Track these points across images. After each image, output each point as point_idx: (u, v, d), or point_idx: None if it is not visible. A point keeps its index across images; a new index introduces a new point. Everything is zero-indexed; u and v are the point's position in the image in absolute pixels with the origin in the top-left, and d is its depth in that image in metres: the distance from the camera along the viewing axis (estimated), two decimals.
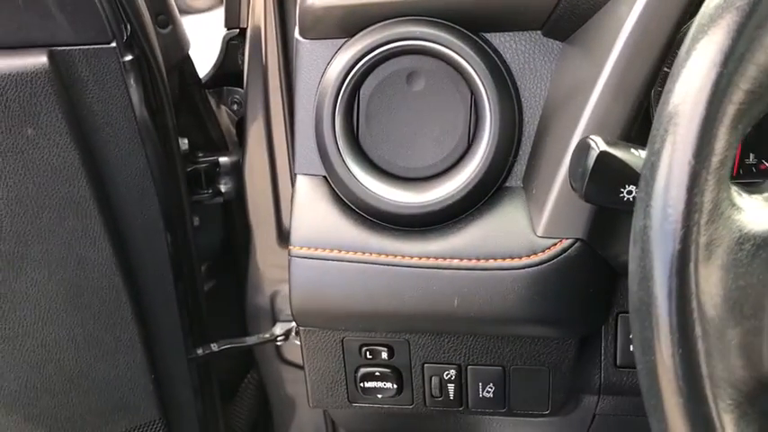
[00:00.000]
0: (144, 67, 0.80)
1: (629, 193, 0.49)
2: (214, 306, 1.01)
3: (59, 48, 0.74)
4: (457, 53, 0.62)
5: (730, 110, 0.36)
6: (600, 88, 0.57)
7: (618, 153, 0.49)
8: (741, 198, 0.38)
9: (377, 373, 0.72)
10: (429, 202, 0.64)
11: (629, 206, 0.49)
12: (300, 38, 0.67)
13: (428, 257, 0.64)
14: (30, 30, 0.74)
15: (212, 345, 0.96)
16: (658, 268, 0.36)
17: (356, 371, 0.72)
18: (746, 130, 0.37)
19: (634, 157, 0.49)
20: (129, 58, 0.77)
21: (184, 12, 0.95)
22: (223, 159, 1.00)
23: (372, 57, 0.63)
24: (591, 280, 0.63)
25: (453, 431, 0.85)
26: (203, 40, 1.05)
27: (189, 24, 0.95)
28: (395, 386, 0.72)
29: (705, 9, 0.37)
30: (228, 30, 0.99)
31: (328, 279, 0.66)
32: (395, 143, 0.65)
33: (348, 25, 0.65)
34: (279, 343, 1.01)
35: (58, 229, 0.79)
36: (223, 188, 1.00)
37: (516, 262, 0.62)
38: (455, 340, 0.70)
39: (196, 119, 0.99)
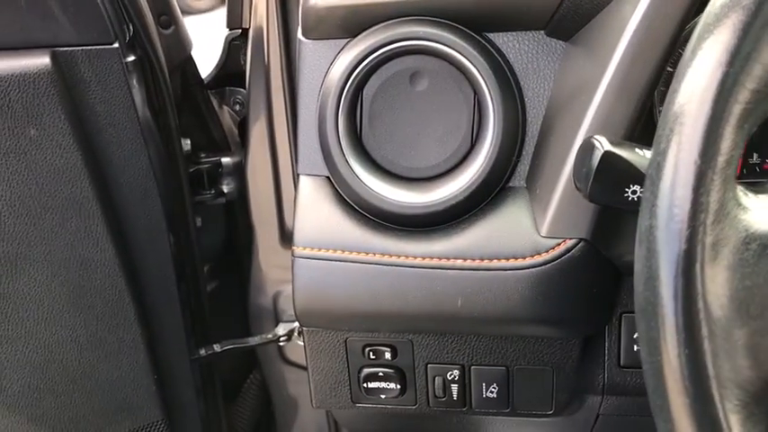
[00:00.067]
0: (146, 67, 0.80)
1: (634, 192, 0.49)
2: (217, 306, 1.01)
3: (62, 48, 0.74)
4: (460, 53, 0.62)
5: (736, 109, 0.36)
6: (603, 88, 0.57)
7: (622, 153, 0.49)
8: (747, 198, 0.38)
9: (380, 374, 0.72)
10: (432, 203, 0.64)
11: (634, 206, 0.49)
12: (303, 38, 0.67)
13: (432, 258, 0.64)
14: (32, 30, 0.74)
15: (215, 345, 0.96)
16: (664, 268, 0.35)
17: (359, 371, 0.72)
18: (752, 130, 0.37)
19: (639, 156, 0.49)
20: (131, 58, 0.77)
21: (186, 12, 0.95)
22: (225, 160, 1.00)
23: (375, 57, 0.63)
24: (595, 280, 0.63)
25: (456, 431, 0.85)
26: (205, 40, 1.05)
27: (190, 25, 0.95)
28: (398, 386, 0.72)
29: (711, 8, 0.37)
30: (231, 30, 0.99)
31: (332, 279, 0.66)
32: (398, 143, 0.65)
33: (351, 25, 0.65)
34: (281, 343, 1.01)
35: (61, 230, 0.79)
36: (225, 189, 1.00)
37: (520, 262, 0.61)
38: (458, 340, 0.69)
39: (198, 119, 0.99)
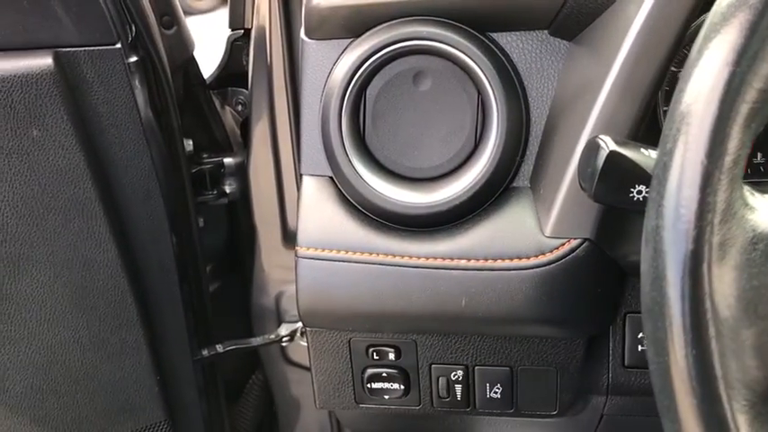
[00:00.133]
0: (149, 68, 0.80)
1: (639, 192, 0.49)
2: (219, 307, 1.01)
3: (64, 49, 0.74)
4: (464, 53, 0.62)
5: (743, 109, 0.35)
6: (608, 88, 0.57)
7: (628, 153, 0.49)
8: (754, 198, 0.38)
9: (384, 374, 0.72)
10: (436, 203, 0.64)
11: (639, 206, 0.49)
12: (306, 38, 0.67)
13: (435, 258, 0.63)
14: (35, 31, 0.74)
15: (217, 346, 0.96)
16: (671, 268, 0.35)
17: (363, 372, 0.72)
18: (759, 129, 0.37)
19: (644, 156, 0.49)
20: (134, 59, 0.77)
21: (186, 13, 0.95)
22: (228, 160, 1.00)
23: (379, 57, 0.63)
24: (599, 280, 0.63)
25: (460, 431, 0.85)
26: (206, 40, 1.05)
27: (191, 25, 0.95)
28: (402, 387, 0.72)
29: (717, 7, 0.37)
30: (233, 30, 0.99)
31: (335, 280, 0.65)
32: (401, 143, 0.65)
33: (354, 25, 0.64)
34: (284, 344, 1.01)
35: (64, 231, 0.79)
36: (228, 189, 1.00)
37: (524, 262, 0.61)
38: (462, 341, 0.69)
39: (201, 120, 0.99)
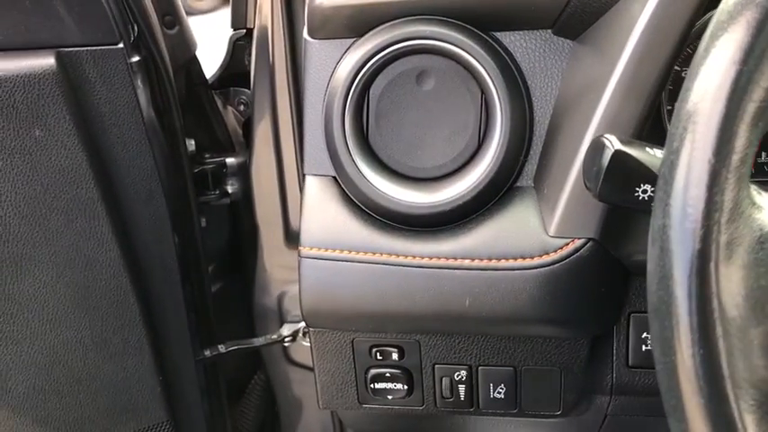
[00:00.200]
0: (151, 67, 0.80)
1: (644, 192, 0.49)
2: (221, 307, 1.00)
3: (67, 49, 0.74)
4: (467, 52, 0.62)
5: (750, 107, 0.35)
6: (612, 87, 0.57)
7: (633, 152, 0.49)
8: (761, 197, 0.38)
9: (387, 374, 0.71)
10: (439, 203, 0.64)
11: (644, 205, 0.49)
12: (309, 38, 0.67)
13: (439, 258, 0.63)
14: (37, 31, 0.73)
15: (220, 346, 0.96)
16: (678, 268, 0.35)
17: (366, 372, 0.72)
18: (766, 128, 0.37)
19: (649, 156, 0.49)
20: (136, 59, 0.77)
21: (187, 13, 0.94)
22: (230, 160, 1.00)
23: (382, 56, 0.63)
24: (603, 280, 0.63)
25: None
26: (207, 41, 1.05)
27: (191, 25, 0.95)
28: (405, 387, 0.72)
29: (724, 5, 0.36)
30: (235, 30, 0.99)
31: (339, 280, 0.65)
32: (405, 143, 0.65)
33: (357, 25, 0.64)
34: (286, 344, 1.01)
35: (66, 231, 0.79)
36: (230, 189, 1.00)
37: (528, 262, 0.61)
38: (466, 341, 0.69)
39: (203, 120, 0.99)
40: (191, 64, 0.94)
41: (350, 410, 0.75)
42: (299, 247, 0.66)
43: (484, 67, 0.62)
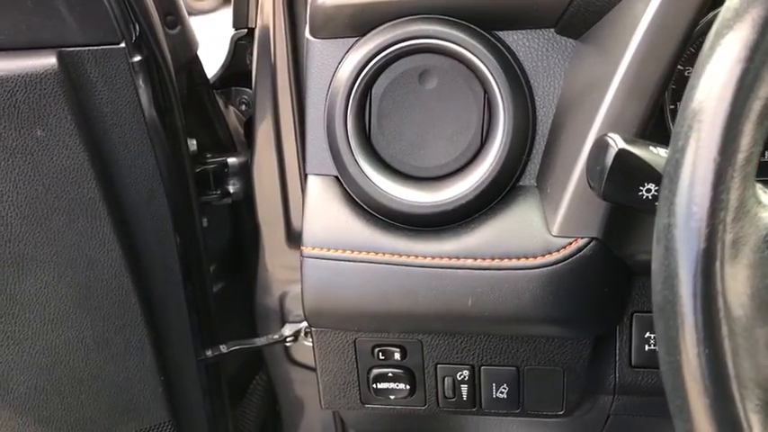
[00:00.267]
0: (153, 67, 0.80)
1: (648, 191, 0.49)
2: (223, 307, 1.00)
3: (68, 49, 0.74)
4: (470, 51, 0.62)
5: (756, 106, 0.35)
6: (615, 86, 0.57)
7: (637, 151, 0.48)
8: (766, 195, 0.37)
9: (389, 374, 0.71)
10: (442, 202, 0.64)
11: (648, 205, 0.49)
12: (311, 37, 0.67)
13: (441, 257, 0.63)
14: (39, 31, 0.73)
15: (221, 346, 0.96)
16: (683, 267, 0.35)
17: (369, 372, 0.72)
18: None
19: (653, 155, 0.49)
20: (137, 58, 0.77)
21: (189, 13, 0.94)
22: (231, 160, 0.99)
23: (384, 55, 0.63)
24: (606, 279, 0.63)
25: None
26: (207, 41, 1.05)
27: (193, 25, 0.95)
28: (407, 387, 0.72)
29: (729, 3, 0.36)
30: (236, 30, 0.99)
31: (341, 280, 0.65)
32: (407, 142, 0.65)
33: (359, 24, 0.64)
34: (288, 344, 1.01)
35: (68, 231, 0.79)
36: (232, 189, 1.00)
37: (531, 261, 0.61)
38: (468, 340, 0.69)
39: (204, 119, 0.98)
40: (192, 64, 0.94)
41: (352, 411, 0.75)
42: (302, 247, 0.66)
43: (486, 67, 0.62)
